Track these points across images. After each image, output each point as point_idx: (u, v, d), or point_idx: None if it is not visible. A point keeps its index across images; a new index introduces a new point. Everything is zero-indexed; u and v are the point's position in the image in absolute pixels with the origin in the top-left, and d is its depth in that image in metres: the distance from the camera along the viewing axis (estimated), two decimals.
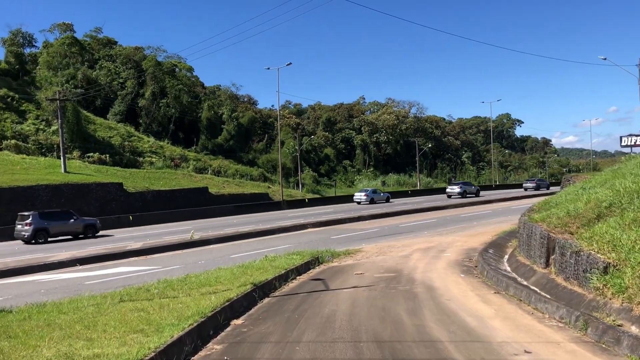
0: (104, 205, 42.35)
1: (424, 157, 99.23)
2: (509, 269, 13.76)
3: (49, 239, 28.00)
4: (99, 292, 12.05)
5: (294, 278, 13.70)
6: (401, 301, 10.02)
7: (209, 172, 61.06)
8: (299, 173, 69.06)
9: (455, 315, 8.79)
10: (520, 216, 15.94)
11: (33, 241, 27.40)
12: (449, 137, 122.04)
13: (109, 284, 14.25)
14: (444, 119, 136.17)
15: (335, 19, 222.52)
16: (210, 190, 52.28)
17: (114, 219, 35.72)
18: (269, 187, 60.91)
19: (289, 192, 62.38)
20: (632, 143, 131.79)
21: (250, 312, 9.97)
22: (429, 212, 34.06)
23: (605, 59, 31.82)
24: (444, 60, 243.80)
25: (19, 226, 27.97)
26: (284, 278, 13.14)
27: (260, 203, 46.77)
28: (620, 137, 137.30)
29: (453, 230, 24.41)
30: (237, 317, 9.46)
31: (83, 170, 47.24)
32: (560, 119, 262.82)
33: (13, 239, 28.71)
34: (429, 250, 18.34)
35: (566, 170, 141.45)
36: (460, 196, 49.01)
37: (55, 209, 31.19)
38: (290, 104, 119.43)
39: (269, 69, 46.65)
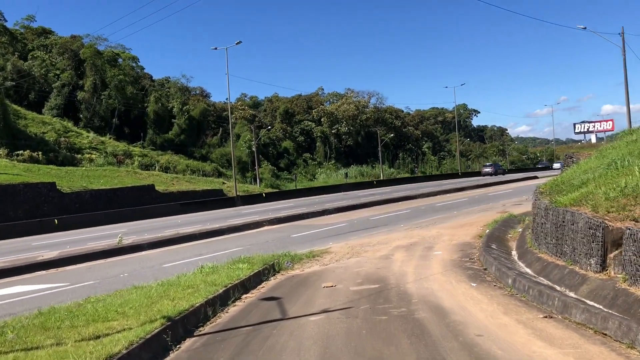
0: (34, 208, 37.15)
1: (386, 148, 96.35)
2: (529, 270, 10.18)
3: None
4: None
5: (239, 297, 9.78)
6: (403, 342, 6.17)
7: (157, 168, 56.08)
8: (256, 167, 64.73)
9: None
10: (534, 201, 12.41)
11: None
12: (409, 128, 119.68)
13: None
14: (403, 111, 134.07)
15: (291, 10, 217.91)
16: (157, 188, 47.54)
17: (35, 223, 30.75)
18: (223, 183, 56.45)
19: (246, 187, 58.06)
20: (585, 130, 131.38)
21: None
22: (400, 203, 30.57)
23: (585, 28, 29.05)
24: (400, 51, 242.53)
25: None
26: (223, 300, 9.19)
27: (212, 200, 42.35)
28: (574, 124, 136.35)
29: (432, 221, 20.91)
30: None
31: (9, 170, 41.73)
32: (513, 110, 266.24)
33: None
34: (413, 247, 14.69)
35: (525, 158, 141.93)
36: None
37: None
38: (246, 96, 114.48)
39: (216, 49, 42.31)
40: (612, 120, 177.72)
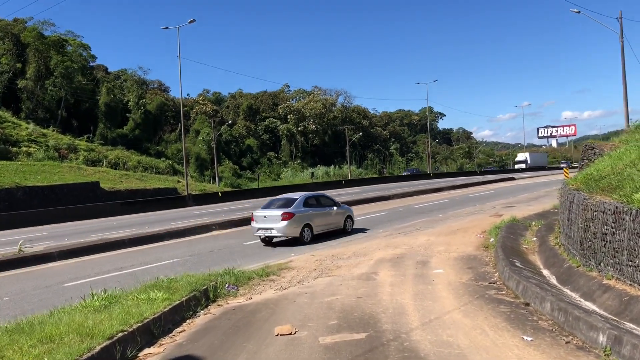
0: None
1: (354, 148, 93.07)
2: (596, 307, 6.57)
3: None
4: None
5: (133, 358, 5.84)
6: None
7: (104, 164, 51.06)
8: (216, 165, 60.18)
9: None
10: (570, 203, 8.83)
11: None
12: (377, 128, 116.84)
13: None
14: (370, 112, 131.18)
15: (256, 7, 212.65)
16: (102, 185, 42.84)
17: None
18: (178, 182, 51.91)
19: (204, 186, 53.64)
20: (549, 134, 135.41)
21: None
22: (373, 204, 26.98)
23: (579, 12, 26.08)
24: (367, 52, 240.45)
25: None
26: None
27: (160, 199, 37.86)
28: (537, 129, 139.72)
29: (416, 225, 17.34)
30: None
31: None
32: (476, 115, 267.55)
33: None
34: (402, 261, 11.01)
35: (492, 160, 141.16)
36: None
37: None
38: (208, 92, 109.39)
39: (167, 28, 37.65)
40: (574, 125, 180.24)
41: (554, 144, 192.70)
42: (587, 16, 26.55)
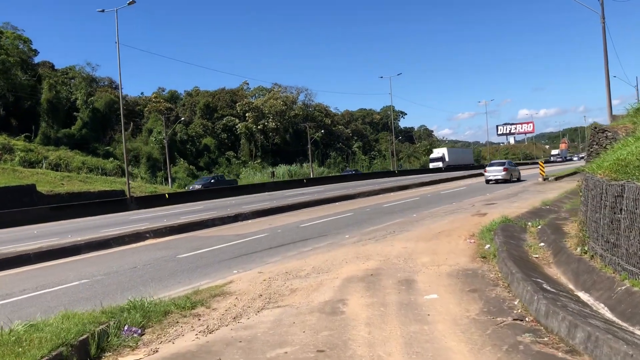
0: None
1: (316, 147, 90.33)
2: None
3: None
4: None
5: None
6: None
7: (44, 165, 46.68)
8: (168, 165, 56.29)
9: None
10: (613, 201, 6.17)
11: None
12: (339, 126, 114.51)
13: None
14: (332, 110, 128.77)
15: (215, 3, 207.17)
16: (40, 188, 38.86)
17: None
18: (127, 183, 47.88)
19: (155, 188, 49.83)
20: (507, 131, 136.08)
21: None
22: (338, 204, 24.19)
23: None
24: (330, 47, 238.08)
25: None
26: None
27: (100, 202, 34.09)
28: (497, 126, 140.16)
29: (389, 229, 14.59)
30: None
31: None
32: (438, 110, 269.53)
33: None
34: (378, 280, 8.21)
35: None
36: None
37: None
38: (164, 90, 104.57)
39: (103, 11, 33.83)
40: (532, 122, 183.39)
41: (512, 141, 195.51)
42: None
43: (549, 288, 6.32)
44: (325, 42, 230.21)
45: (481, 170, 54.00)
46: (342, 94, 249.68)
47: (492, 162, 39.06)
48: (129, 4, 31.59)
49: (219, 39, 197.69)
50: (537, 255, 9.13)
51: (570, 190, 21.36)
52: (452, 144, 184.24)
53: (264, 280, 8.99)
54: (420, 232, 13.54)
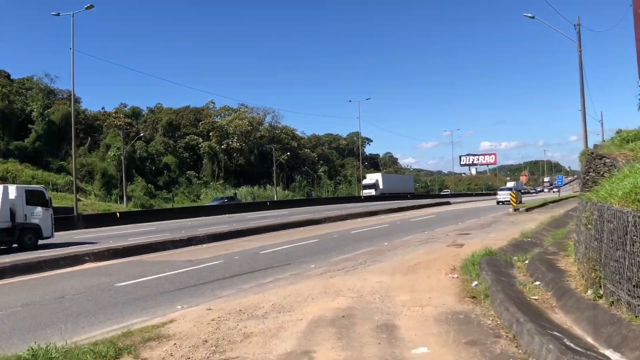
0: None
1: (281, 169, 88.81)
2: None
3: None
4: None
5: None
6: None
7: None
8: (124, 182, 53.66)
9: None
10: None
11: None
12: (306, 150, 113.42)
13: None
14: (298, 134, 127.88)
15: (183, 20, 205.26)
16: None
17: None
18: (79, 200, 45.14)
19: (108, 206, 47.24)
20: (470, 162, 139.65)
21: None
22: (303, 229, 22.64)
23: (533, 17, 23.46)
24: (299, 71, 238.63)
25: None
26: None
27: None
28: (460, 157, 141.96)
29: (360, 258, 13.16)
30: None
31: None
32: (402, 141, 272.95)
33: None
34: (351, 324, 6.76)
35: (419, 186, 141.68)
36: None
37: None
38: (125, 106, 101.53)
39: (59, 14, 31.63)
40: (494, 154, 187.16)
41: (474, 172, 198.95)
42: (542, 22, 24.03)
43: (573, 346, 4.95)
44: (295, 65, 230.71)
45: (438, 200, 54.43)
46: (309, 116, 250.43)
47: (502, 187, 53.51)
48: (86, 7, 29.72)
49: (186, 55, 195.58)
50: (536, 297, 7.83)
51: (546, 222, 20.51)
52: (416, 174, 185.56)
53: (213, 320, 7.37)
54: (395, 263, 12.16)
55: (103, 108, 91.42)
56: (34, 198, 19.05)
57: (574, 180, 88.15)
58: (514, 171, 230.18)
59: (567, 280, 7.84)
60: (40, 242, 19.11)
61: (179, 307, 8.60)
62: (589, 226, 7.14)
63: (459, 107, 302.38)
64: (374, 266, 11.80)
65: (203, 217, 37.03)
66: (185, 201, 69.43)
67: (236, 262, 13.48)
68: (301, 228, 22.73)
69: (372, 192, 73.44)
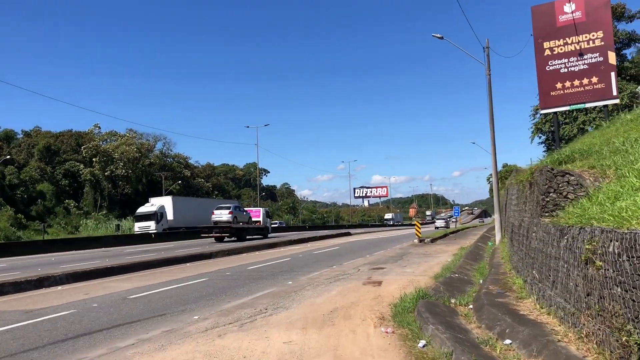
0: None
1: None
2: None
3: None
4: None
5: None
6: None
7: None
8: None
9: None
10: None
11: None
12: (200, 179, 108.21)
13: None
14: (192, 163, 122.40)
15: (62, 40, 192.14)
16: None
17: None
18: None
19: None
20: (364, 194, 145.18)
21: None
22: (188, 264, 19.18)
23: (442, 37, 22.44)
24: (194, 97, 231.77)
25: None
26: None
27: None
28: (354, 189, 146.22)
29: (259, 305, 10.23)
30: None
31: None
32: (299, 172, 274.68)
33: None
34: None
35: (315, 217, 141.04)
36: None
37: None
38: None
39: None
40: (387, 187, 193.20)
41: (367, 204, 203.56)
42: (453, 44, 23.05)
43: None
44: (189, 92, 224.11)
45: (338, 231, 52.85)
46: (205, 141, 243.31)
47: (438, 217, 80.00)
48: None
49: (67, 73, 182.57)
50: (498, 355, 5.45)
51: (460, 254, 18.94)
52: (312, 205, 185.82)
53: None
54: (305, 310, 9.42)
55: None
56: None
57: (453, 214, 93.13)
58: (403, 203, 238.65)
59: (559, 341, 5.54)
60: None
61: None
62: (599, 263, 4.89)
63: (353, 140, 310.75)
64: (278, 316, 8.97)
65: (76, 251, 31.95)
66: (62, 233, 61.96)
67: (92, 313, 9.99)
68: (187, 264, 19.28)
69: (152, 225, 45.97)
